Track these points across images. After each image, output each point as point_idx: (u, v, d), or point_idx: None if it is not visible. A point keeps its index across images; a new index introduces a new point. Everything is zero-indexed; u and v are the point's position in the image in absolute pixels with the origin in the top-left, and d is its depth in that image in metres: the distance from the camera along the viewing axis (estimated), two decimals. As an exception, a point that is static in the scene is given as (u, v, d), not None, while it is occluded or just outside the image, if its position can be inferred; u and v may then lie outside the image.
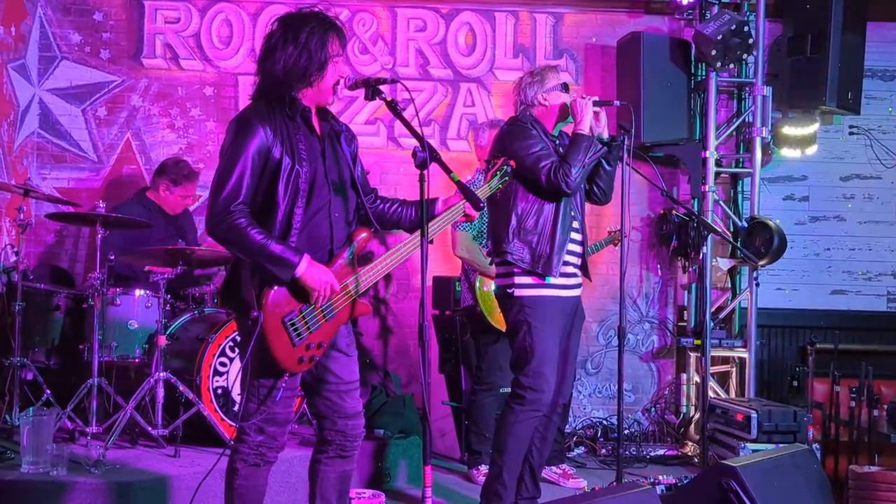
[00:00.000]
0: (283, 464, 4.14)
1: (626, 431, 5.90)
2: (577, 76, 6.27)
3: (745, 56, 5.82)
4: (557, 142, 4.01)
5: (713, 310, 6.10)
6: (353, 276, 3.07)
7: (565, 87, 3.99)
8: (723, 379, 6.16)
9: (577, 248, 3.97)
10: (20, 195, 4.72)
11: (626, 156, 4.39)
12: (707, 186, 5.99)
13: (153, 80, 6.10)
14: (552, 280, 3.84)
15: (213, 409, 4.39)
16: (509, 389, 3.98)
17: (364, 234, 3.12)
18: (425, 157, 2.96)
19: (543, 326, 3.83)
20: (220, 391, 4.45)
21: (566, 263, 3.88)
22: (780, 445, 4.73)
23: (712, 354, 5.91)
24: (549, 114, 4.00)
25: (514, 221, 3.89)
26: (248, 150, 2.89)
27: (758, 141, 5.98)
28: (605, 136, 3.97)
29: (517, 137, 3.91)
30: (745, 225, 5.98)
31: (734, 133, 6.28)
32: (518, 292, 3.86)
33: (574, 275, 3.96)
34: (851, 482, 4.25)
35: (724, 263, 6.12)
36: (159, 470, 3.95)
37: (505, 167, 3.56)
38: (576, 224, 3.95)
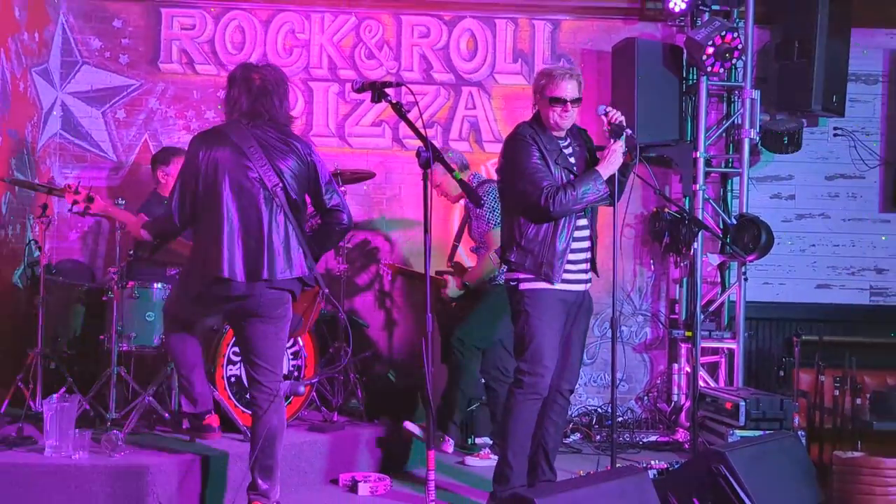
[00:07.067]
0: (292, 448, 4.23)
1: (619, 419, 5.92)
2: (574, 80, 6.41)
3: (734, 61, 5.90)
4: (563, 144, 3.99)
5: (703, 303, 6.14)
6: None
7: (554, 101, 3.89)
8: (712, 369, 6.21)
9: (584, 245, 3.98)
10: (45, 193, 4.87)
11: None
12: (698, 185, 6.06)
13: (169, 84, 6.19)
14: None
15: (227, 396, 4.47)
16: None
17: None
18: (429, 157, 3.13)
19: (541, 316, 3.86)
20: (233, 379, 4.54)
21: (572, 262, 3.90)
22: (767, 432, 4.85)
23: (702, 346, 5.92)
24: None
25: (516, 230, 3.92)
26: None
27: (746, 142, 6.05)
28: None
29: (511, 151, 3.98)
30: (734, 222, 6.05)
31: (724, 134, 6.34)
32: (521, 285, 3.91)
33: (580, 270, 3.97)
34: (836, 467, 4.30)
35: (714, 259, 6.18)
36: (175, 454, 4.04)
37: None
38: (582, 222, 3.96)
